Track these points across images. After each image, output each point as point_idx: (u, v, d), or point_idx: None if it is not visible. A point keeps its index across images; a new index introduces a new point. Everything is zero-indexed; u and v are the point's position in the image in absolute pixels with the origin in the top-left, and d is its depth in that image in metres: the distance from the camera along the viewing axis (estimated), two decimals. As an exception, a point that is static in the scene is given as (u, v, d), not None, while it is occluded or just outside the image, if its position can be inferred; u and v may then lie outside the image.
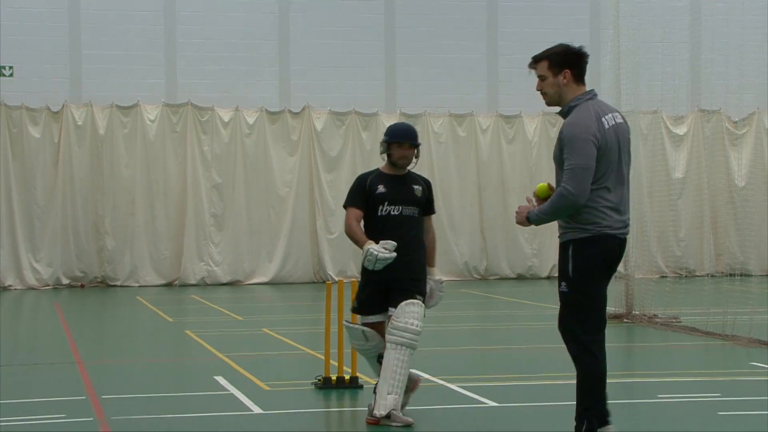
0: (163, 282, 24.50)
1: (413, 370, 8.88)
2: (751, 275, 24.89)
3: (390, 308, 8.59)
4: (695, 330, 14.46)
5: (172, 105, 24.76)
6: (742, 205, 24.98)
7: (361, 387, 10.20)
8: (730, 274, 23.96)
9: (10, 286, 23.76)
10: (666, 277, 24.22)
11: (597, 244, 6.77)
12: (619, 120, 6.89)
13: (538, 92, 7.14)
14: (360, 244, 8.63)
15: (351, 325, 8.83)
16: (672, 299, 16.14)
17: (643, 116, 20.76)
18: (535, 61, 7.08)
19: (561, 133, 6.86)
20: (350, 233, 8.77)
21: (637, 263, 16.32)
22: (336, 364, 10.36)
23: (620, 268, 17.01)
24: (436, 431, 8.62)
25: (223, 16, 25.13)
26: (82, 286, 24.13)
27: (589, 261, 6.78)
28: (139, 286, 24.09)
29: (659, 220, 21.53)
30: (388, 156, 8.94)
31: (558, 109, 7.04)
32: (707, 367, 11.72)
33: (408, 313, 8.48)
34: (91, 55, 24.56)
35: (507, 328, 16.31)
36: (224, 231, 24.83)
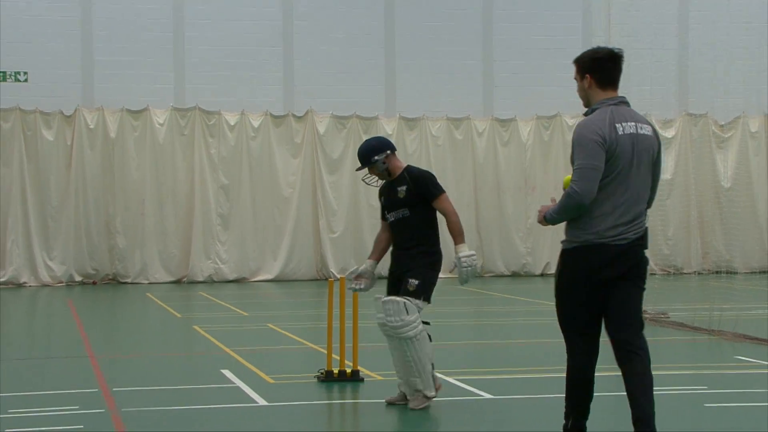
0: (171, 279, 24.50)
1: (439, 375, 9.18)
2: (737, 273, 24.90)
3: None
4: (683, 325, 14.45)
5: (181, 109, 24.76)
6: (728, 206, 24.99)
7: (362, 380, 10.20)
8: (716, 272, 23.98)
9: (25, 283, 23.76)
10: (655, 274, 24.16)
11: (582, 254, 6.65)
12: (644, 131, 6.65)
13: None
14: None
15: (378, 296, 9.13)
16: (660, 296, 16.12)
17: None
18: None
19: (573, 135, 6.72)
20: None
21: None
22: (338, 358, 10.37)
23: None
24: (434, 422, 8.62)
25: (229, 23, 25.13)
26: (94, 283, 24.13)
27: (570, 272, 6.70)
28: (149, 283, 24.10)
29: (649, 220, 21.50)
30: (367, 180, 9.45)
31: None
32: (694, 361, 11.72)
33: (389, 313, 8.83)
34: (103, 61, 24.56)
35: (502, 323, 16.30)
36: (230, 230, 24.83)
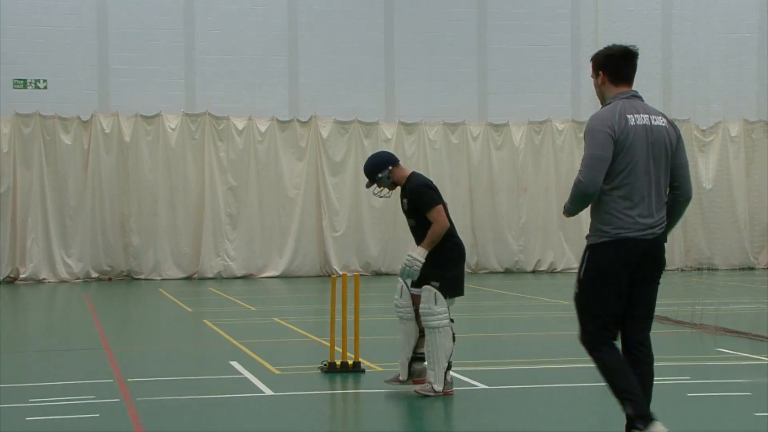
0: (183, 276, 24.50)
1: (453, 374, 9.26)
2: (717, 270, 24.93)
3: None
4: (666, 319, 14.44)
5: (191, 115, 24.76)
6: (709, 206, 25.02)
7: (363, 371, 10.20)
8: (698, 269, 24.01)
9: (44, 279, 23.76)
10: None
11: (612, 249, 6.33)
12: (658, 122, 6.42)
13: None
14: None
15: (401, 281, 9.20)
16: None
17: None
18: None
19: (585, 128, 6.54)
20: None
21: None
22: (340, 350, 10.37)
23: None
24: (431, 410, 8.62)
25: (237, 33, 25.12)
26: (110, 279, 24.13)
27: (602, 265, 6.37)
28: (162, 280, 24.09)
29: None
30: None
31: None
32: (677, 353, 11.71)
33: (422, 300, 8.92)
34: (118, 69, 24.55)
35: (496, 317, 16.31)
36: (238, 229, 24.83)
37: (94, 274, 24.12)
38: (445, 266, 8.93)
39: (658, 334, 13.54)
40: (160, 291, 21.32)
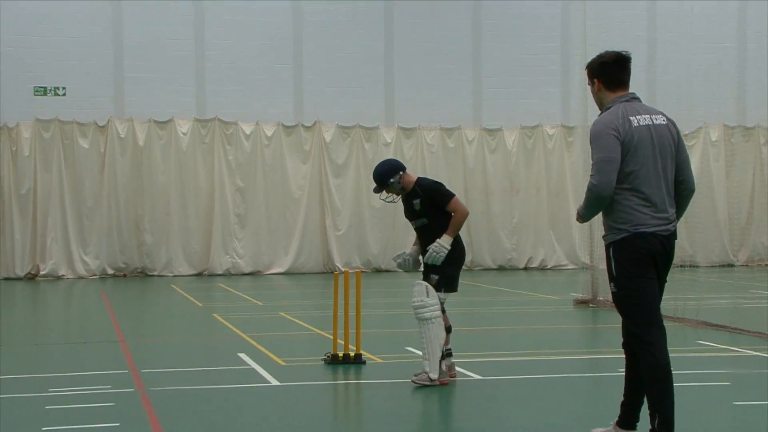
0: (194, 272, 24.50)
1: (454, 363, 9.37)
2: (699, 266, 24.91)
3: None
4: (651, 313, 14.42)
5: (202, 120, 24.76)
6: (691, 206, 24.93)
7: (364, 362, 10.21)
8: (681, 266, 23.93)
9: (63, 275, 23.77)
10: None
11: (633, 244, 6.15)
12: (660, 121, 6.28)
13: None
14: None
15: (415, 281, 9.27)
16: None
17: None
18: None
19: (590, 134, 6.33)
20: None
21: (601, 256, 16.24)
22: (343, 342, 10.37)
23: (586, 260, 17.12)
24: (428, 399, 8.63)
25: (245, 43, 25.11)
26: (125, 275, 24.13)
27: (628, 260, 6.17)
28: (173, 276, 24.09)
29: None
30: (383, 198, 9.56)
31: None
32: (661, 345, 11.71)
33: (415, 294, 9.04)
34: (132, 77, 24.55)
35: (489, 311, 16.31)
36: (246, 228, 24.83)
37: (110, 271, 24.12)
38: (446, 262, 9.07)
39: (642, 327, 13.53)
40: (172, 287, 21.33)
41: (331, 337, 10.54)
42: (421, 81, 25.86)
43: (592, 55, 6.81)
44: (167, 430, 7.41)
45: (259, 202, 24.89)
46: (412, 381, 9.03)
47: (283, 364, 10.44)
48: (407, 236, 9.73)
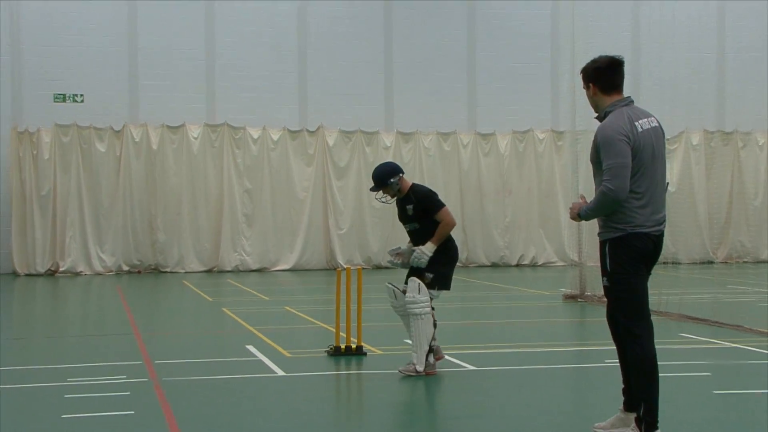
0: (204, 269, 24.49)
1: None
2: (681, 263, 24.91)
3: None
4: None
5: (212, 125, 24.76)
6: (673, 207, 24.92)
7: (365, 354, 10.21)
8: (664, 263, 23.89)
9: (81, 272, 23.77)
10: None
11: (629, 242, 6.11)
12: (655, 124, 6.22)
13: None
14: None
15: (388, 285, 9.37)
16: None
17: (593, 133, 20.73)
18: None
19: (596, 137, 6.21)
20: None
21: (589, 253, 16.29)
22: (345, 335, 10.37)
23: (575, 257, 17.12)
24: (424, 389, 8.63)
25: (252, 53, 25.12)
26: (139, 272, 24.13)
27: (623, 257, 6.13)
28: (185, 272, 24.08)
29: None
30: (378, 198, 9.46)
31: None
32: (645, 338, 11.71)
33: (408, 290, 9.07)
34: (146, 84, 24.55)
35: (483, 306, 16.31)
36: (254, 227, 24.82)
37: (125, 268, 24.12)
38: (441, 262, 9.08)
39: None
40: (183, 282, 21.32)
41: (334, 330, 10.54)
42: (418, 88, 25.85)
43: (579, 64, 6.77)
44: (179, 418, 7.41)
45: (266, 202, 24.88)
46: (399, 371, 9.05)
47: (289, 355, 10.44)
48: (406, 235, 9.71)
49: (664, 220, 6.29)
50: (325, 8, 25.54)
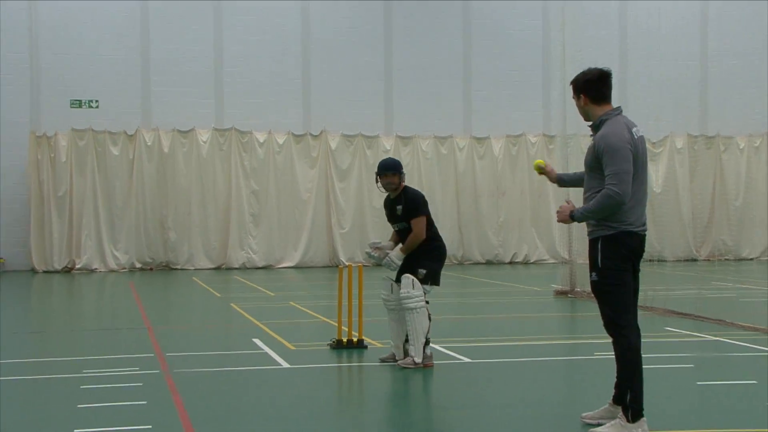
0: (212, 266, 24.49)
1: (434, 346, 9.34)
2: (666, 261, 24.92)
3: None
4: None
5: (220, 129, 24.76)
6: (659, 207, 25.00)
7: (366, 347, 10.20)
8: (650, 260, 23.91)
9: (96, 269, 23.78)
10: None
11: (622, 240, 6.17)
12: (641, 133, 6.33)
13: None
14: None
15: (387, 278, 9.30)
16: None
17: (583, 138, 20.75)
18: None
19: (598, 144, 6.21)
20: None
21: (579, 251, 16.29)
22: (347, 329, 10.37)
23: (565, 255, 17.12)
24: (422, 380, 8.63)
25: (259, 60, 25.13)
26: (151, 269, 24.13)
27: (615, 254, 6.18)
28: (195, 270, 24.09)
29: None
30: (381, 184, 9.28)
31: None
32: (632, 332, 11.70)
33: (402, 286, 9.04)
34: (158, 91, 24.56)
35: (478, 301, 16.31)
36: (260, 227, 24.82)
37: (138, 265, 24.12)
38: (432, 259, 9.10)
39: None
40: (193, 279, 21.32)
41: (336, 324, 10.54)
42: (417, 94, 25.86)
43: (570, 72, 6.81)
44: (189, 408, 7.41)
45: (272, 203, 24.88)
46: (398, 364, 9.04)
47: (293, 348, 10.44)
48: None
49: (646, 222, 6.38)
50: (327, 19, 25.56)
